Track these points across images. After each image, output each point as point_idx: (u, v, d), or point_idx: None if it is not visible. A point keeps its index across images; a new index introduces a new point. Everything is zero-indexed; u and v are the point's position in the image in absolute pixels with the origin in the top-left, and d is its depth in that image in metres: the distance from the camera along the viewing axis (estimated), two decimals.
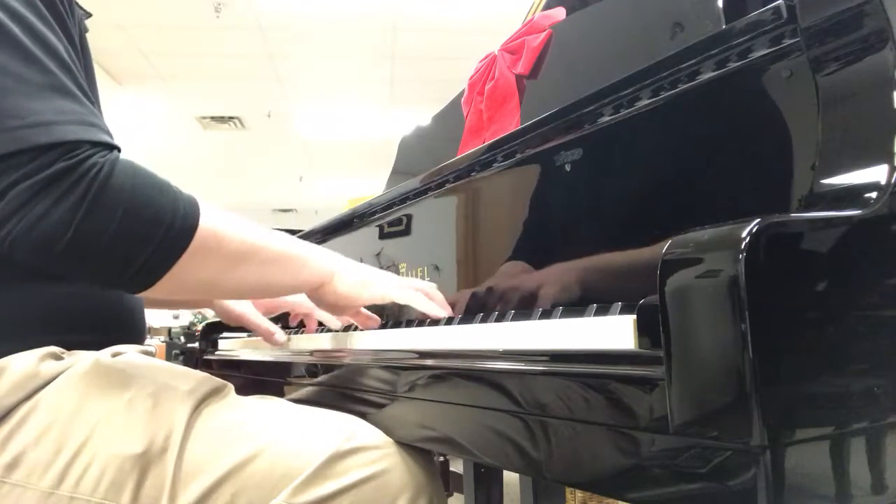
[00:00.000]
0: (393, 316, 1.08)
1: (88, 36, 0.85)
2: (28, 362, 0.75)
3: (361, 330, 0.98)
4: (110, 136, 0.71)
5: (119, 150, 0.70)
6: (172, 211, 0.69)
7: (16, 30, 0.68)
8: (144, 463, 0.72)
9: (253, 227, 0.79)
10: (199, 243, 0.71)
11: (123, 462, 0.72)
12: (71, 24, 0.77)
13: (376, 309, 0.99)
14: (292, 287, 0.88)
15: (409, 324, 0.93)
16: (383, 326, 0.99)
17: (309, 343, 1.09)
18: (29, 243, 0.65)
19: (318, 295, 0.87)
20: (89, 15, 0.89)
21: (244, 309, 1.20)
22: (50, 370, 0.75)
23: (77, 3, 0.83)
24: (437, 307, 0.87)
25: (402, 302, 0.87)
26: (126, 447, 0.72)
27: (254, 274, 0.79)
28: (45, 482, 0.71)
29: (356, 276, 0.87)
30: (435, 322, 0.86)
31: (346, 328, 1.10)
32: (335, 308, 0.90)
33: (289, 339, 1.15)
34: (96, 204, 0.65)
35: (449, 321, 0.84)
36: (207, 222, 0.72)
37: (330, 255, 0.88)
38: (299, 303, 1.18)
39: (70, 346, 0.80)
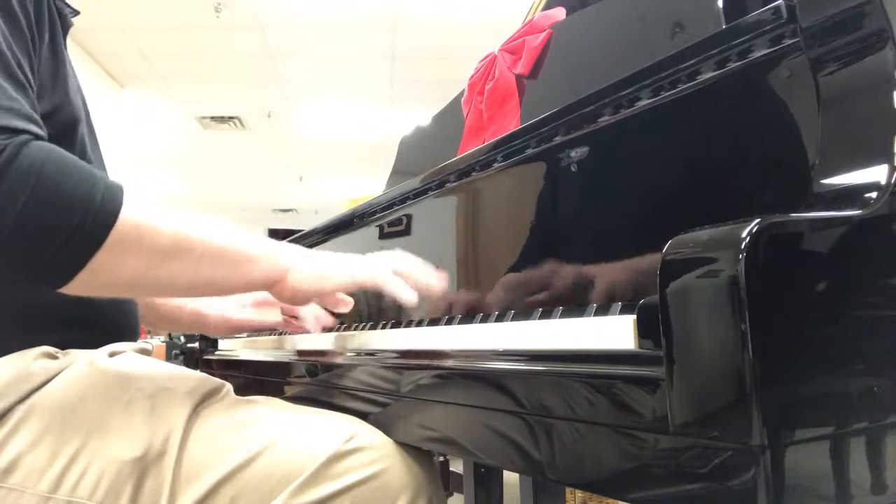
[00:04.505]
0: (375, 307, 1.06)
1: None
2: (22, 363, 0.74)
3: (360, 330, 0.98)
4: (29, 120, 0.66)
5: (34, 136, 0.65)
6: (87, 200, 0.64)
7: None
8: (143, 467, 0.71)
9: (190, 221, 0.73)
10: (120, 236, 0.66)
11: (121, 466, 0.71)
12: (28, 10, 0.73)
13: (375, 303, 0.97)
14: (242, 285, 0.82)
15: (409, 324, 0.93)
16: (383, 326, 0.99)
17: (309, 343, 1.09)
18: None
19: (275, 293, 0.82)
20: (77, 13, 0.87)
21: (222, 310, 1.13)
22: (45, 370, 0.75)
23: (65, 2, 0.81)
24: (404, 288, 0.79)
25: (368, 284, 0.80)
26: (124, 451, 0.71)
27: (189, 271, 0.73)
28: (42, 486, 0.70)
29: (312, 269, 0.81)
30: (435, 322, 0.86)
31: (347, 328, 1.10)
32: (298, 304, 0.84)
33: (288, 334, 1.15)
34: None
35: (449, 321, 0.84)
36: (130, 214, 0.67)
37: (287, 250, 0.82)
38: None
39: (64, 346, 0.79)
